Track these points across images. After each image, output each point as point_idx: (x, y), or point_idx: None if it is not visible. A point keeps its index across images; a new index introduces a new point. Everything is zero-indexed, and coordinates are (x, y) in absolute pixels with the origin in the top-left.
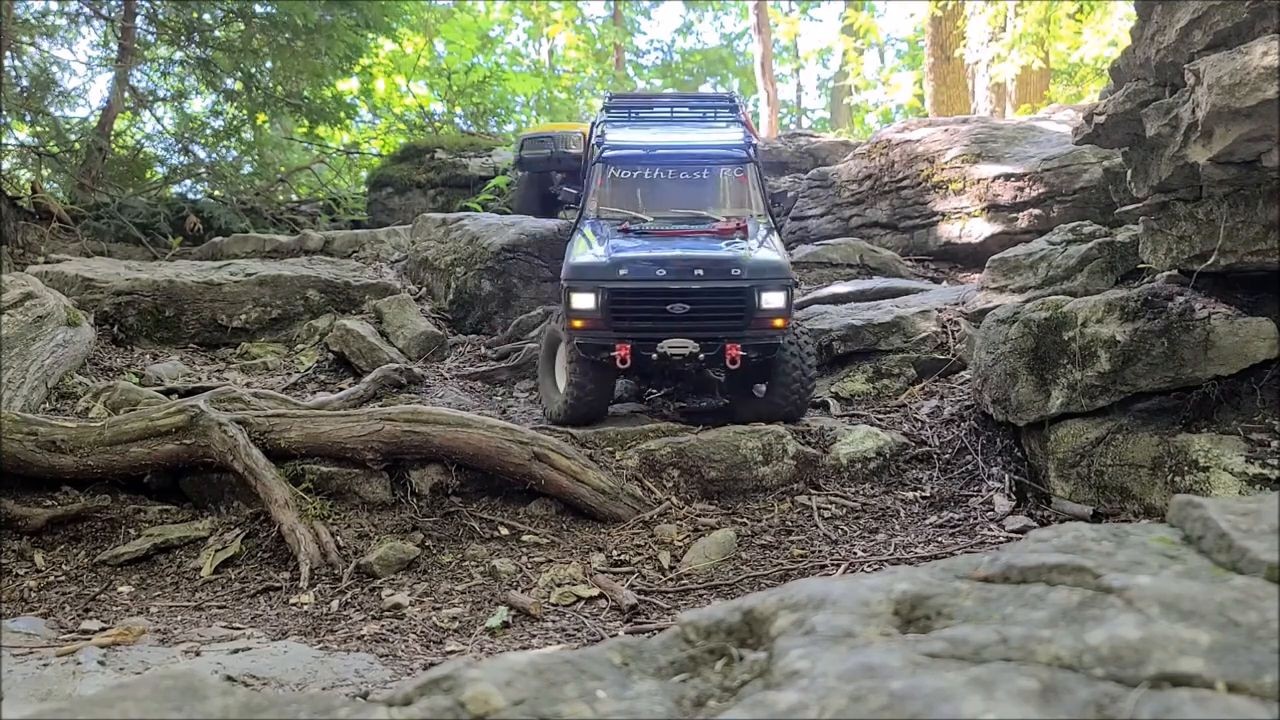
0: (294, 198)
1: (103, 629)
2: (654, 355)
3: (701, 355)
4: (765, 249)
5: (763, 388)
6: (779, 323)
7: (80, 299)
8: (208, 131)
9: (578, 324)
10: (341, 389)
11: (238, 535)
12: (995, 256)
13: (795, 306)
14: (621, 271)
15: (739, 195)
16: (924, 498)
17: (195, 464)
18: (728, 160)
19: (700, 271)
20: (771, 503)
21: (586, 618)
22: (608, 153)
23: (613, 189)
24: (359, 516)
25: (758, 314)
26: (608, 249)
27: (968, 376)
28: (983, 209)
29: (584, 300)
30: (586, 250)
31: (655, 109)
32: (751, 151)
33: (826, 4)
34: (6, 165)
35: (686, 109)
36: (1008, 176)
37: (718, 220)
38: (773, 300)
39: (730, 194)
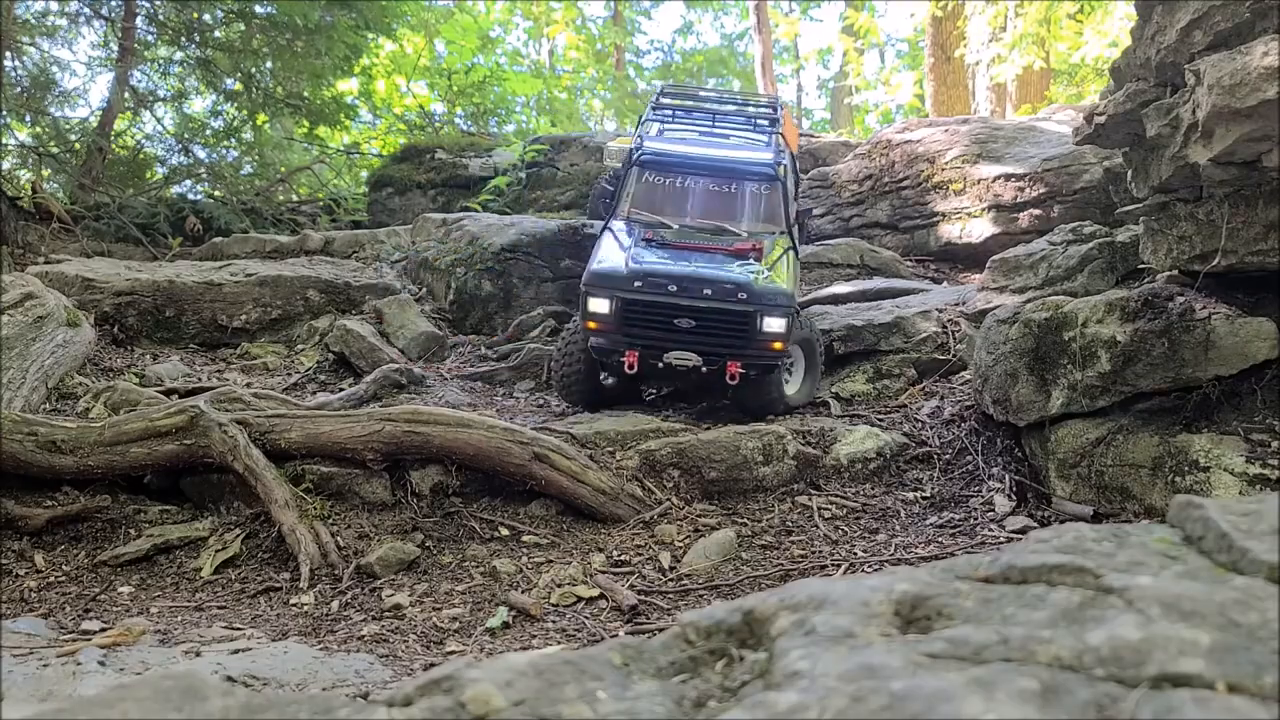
0: (294, 198)
1: (103, 629)
2: (659, 364)
3: (704, 369)
4: (774, 274)
5: None
6: (778, 345)
7: (80, 299)
8: (208, 132)
9: (593, 325)
10: (342, 389)
11: (238, 535)
12: (996, 257)
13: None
14: (636, 284)
15: (764, 210)
16: (924, 498)
17: (195, 464)
18: (756, 177)
19: (709, 291)
20: (772, 503)
21: (587, 618)
22: (644, 157)
23: (646, 193)
24: (359, 517)
25: (758, 336)
26: (629, 258)
27: (968, 377)
28: (983, 209)
29: (600, 305)
30: (609, 257)
31: (699, 112)
32: (780, 170)
33: (827, 4)
34: (7, 165)
35: (733, 106)
36: (1008, 177)
37: (737, 238)
38: (773, 325)
39: (756, 208)
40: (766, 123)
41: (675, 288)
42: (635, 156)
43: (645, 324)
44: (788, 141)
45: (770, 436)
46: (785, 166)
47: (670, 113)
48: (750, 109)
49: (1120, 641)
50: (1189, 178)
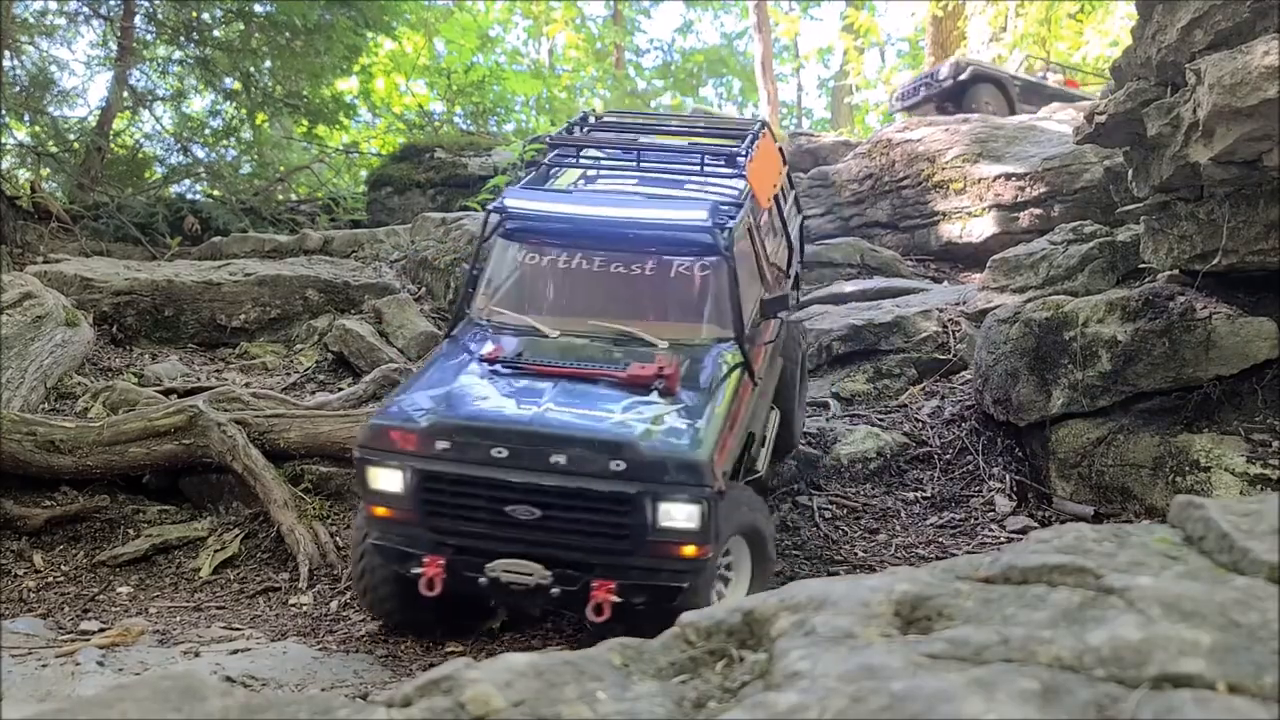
0: (293, 197)
1: (102, 630)
2: (481, 580)
3: (555, 590)
4: (688, 421)
5: None
6: (689, 551)
7: (79, 299)
8: (207, 131)
9: (380, 512)
10: (341, 389)
11: (237, 535)
12: (996, 256)
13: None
14: (439, 445)
15: (701, 302)
16: (925, 498)
17: (194, 464)
18: (685, 250)
19: (561, 458)
20: (772, 503)
21: None
22: (508, 224)
23: (515, 279)
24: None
25: (651, 536)
26: (440, 398)
27: (969, 376)
28: (984, 208)
29: (385, 479)
30: (416, 393)
31: (623, 148)
32: (725, 236)
33: (827, 3)
34: (6, 165)
35: (682, 134)
36: (1008, 176)
37: (647, 354)
38: (677, 517)
39: (689, 300)
40: (723, 161)
41: (505, 451)
42: (495, 221)
43: (457, 513)
44: (757, 185)
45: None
46: (732, 230)
47: (575, 151)
48: (711, 136)
49: (1121, 642)
50: (1190, 177)
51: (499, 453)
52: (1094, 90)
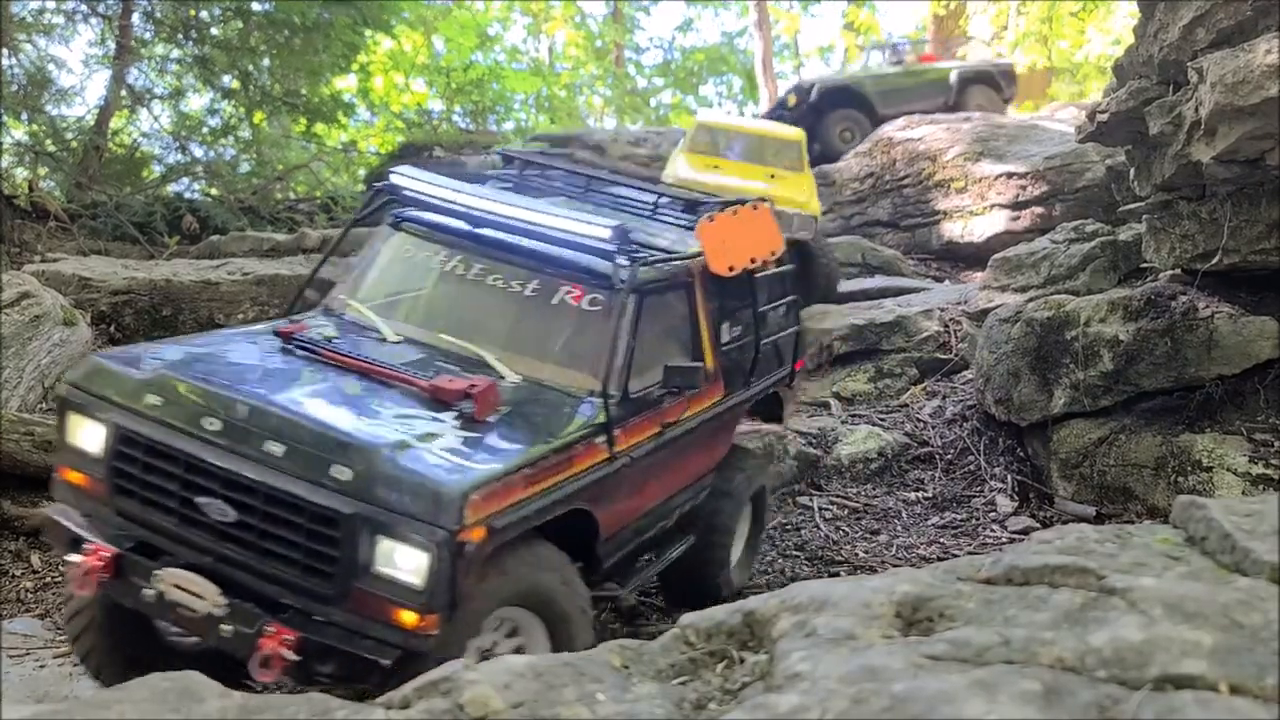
0: (291, 196)
1: None
2: (146, 592)
3: (228, 628)
4: (470, 450)
5: None
6: (407, 618)
7: (77, 298)
8: (205, 130)
9: (71, 477)
10: None
11: None
12: (997, 255)
13: None
14: (150, 399)
15: (576, 341)
16: (926, 498)
17: None
18: (572, 274)
19: (278, 449)
20: (773, 503)
21: None
22: (394, 209)
23: (381, 272)
24: None
25: (361, 582)
26: (189, 354)
27: (970, 376)
28: (985, 207)
29: (87, 435)
30: (172, 345)
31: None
32: (624, 268)
33: (827, 1)
34: (4, 164)
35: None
36: (1010, 175)
37: (474, 370)
38: (400, 564)
39: (567, 334)
40: (681, 208)
41: (218, 424)
42: (381, 205)
43: (146, 494)
44: (713, 246)
45: (771, 437)
46: (640, 266)
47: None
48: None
49: (1123, 643)
50: (1192, 176)
51: (210, 424)
52: (957, 60)
